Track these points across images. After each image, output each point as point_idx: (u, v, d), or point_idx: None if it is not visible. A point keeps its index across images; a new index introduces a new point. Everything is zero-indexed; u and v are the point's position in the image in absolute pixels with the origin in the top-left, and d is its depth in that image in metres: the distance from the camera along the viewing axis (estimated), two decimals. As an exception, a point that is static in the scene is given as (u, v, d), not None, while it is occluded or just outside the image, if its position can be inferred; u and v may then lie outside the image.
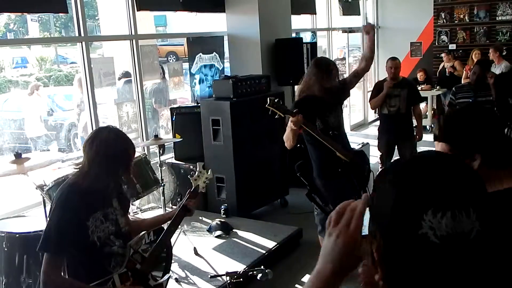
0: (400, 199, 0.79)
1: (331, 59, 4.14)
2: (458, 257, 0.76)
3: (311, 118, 3.66)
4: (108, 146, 2.31)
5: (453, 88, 5.45)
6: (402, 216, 0.78)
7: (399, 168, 0.86)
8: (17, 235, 3.25)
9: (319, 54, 8.13)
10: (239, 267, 3.88)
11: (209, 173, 2.69)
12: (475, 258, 0.76)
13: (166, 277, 2.71)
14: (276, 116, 3.54)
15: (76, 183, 2.35)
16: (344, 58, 10.62)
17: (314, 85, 3.73)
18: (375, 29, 10.81)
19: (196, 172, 2.65)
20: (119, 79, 5.91)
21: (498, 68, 7.72)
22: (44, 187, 3.39)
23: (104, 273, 2.38)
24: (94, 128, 4.89)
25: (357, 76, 4.10)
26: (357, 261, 0.89)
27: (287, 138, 3.68)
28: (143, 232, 2.56)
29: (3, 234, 3.20)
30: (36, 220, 3.51)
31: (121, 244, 2.45)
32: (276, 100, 3.56)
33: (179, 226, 2.70)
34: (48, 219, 2.36)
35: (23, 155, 3.35)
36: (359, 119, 10.59)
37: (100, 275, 2.35)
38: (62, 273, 2.33)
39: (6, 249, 3.19)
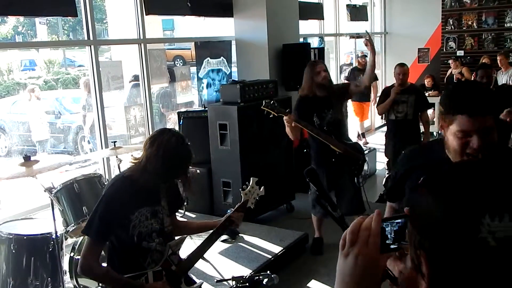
0: (454, 205, 0.78)
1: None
2: None
3: (309, 114, 4.24)
4: (167, 149, 2.35)
5: None
6: (458, 222, 0.77)
7: (441, 177, 0.84)
8: (24, 237, 3.27)
9: (327, 60, 8.14)
10: (245, 271, 3.88)
11: (261, 190, 2.70)
12: None
13: (199, 282, 2.72)
14: (271, 116, 4.09)
15: (129, 177, 2.42)
16: (351, 64, 10.61)
17: (307, 82, 4.34)
18: (384, 35, 10.82)
19: (248, 187, 2.66)
20: (130, 82, 5.93)
21: (505, 75, 7.69)
22: (52, 189, 3.40)
23: (138, 267, 2.42)
24: (101, 131, 4.91)
25: (358, 86, 4.57)
26: (378, 279, 0.89)
27: (288, 133, 4.27)
28: (184, 235, 2.60)
29: (11, 236, 3.22)
30: (44, 223, 3.53)
31: (161, 242, 2.49)
32: (271, 102, 4.12)
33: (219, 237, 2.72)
34: (96, 204, 2.43)
35: (32, 158, 3.37)
36: (366, 125, 10.56)
37: (133, 269, 2.40)
38: (99, 260, 2.40)
39: (13, 251, 3.20)
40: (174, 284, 2.47)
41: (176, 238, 2.58)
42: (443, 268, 0.79)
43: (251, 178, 2.70)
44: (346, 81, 8.75)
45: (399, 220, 0.89)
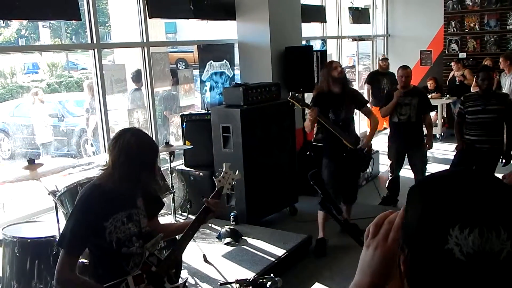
0: (427, 212, 0.77)
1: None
2: (484, 277, 0.72)
3: (325, 110, 4.51)
4: (130, 149, 2.32)
5: (462, 98, 5.43)
6: (428, 230, 0.75)
7: (428, 181, 0.83)
8: (28, 241, 3.28)
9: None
10: (249, 274, 3.88)
11: (236, 174, 2.62)
12: (503, 280, 0.72)
13: (182, 280, 2.70)
14: (295, 107, 4.59)
15: (98, 184, 2.38)
16: (353, 66, 10.63)
17: (324, 77, 4.61)
18: (386, 37, 10.83)
19: (222, 173, 2.58)
20: (131, 77, 5.92)
21: (508, 77, 7.67)
22: (57, 192, 3.41)
23: (122, 273, 2.39)
24: (104, 134, 4.93)
25: (366, 114, 5.02)
26: (394, 273, 0.88)
27: (307, 126, 4.60)
28: (160, 235, 2.55)
29: (15, 239, 3.23)
30: (48, 226, 3.54)
31: (141, 245, 2.46)
32: (296, 94, 4.59)
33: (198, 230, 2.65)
34: (68, 216, 2.41)
35: (36, 161, 3.38)
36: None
37: (118, 275, 2.37)
38: (76, 272, 2.34)
39: (18, 254, 3.21)
40: (157, 285, 2.44)
41: (153, 239, 2.52)
42: (417, 276, 0.79)
43: (224, 163, 2.62)
44: (368, 84, 8.70)
45: None
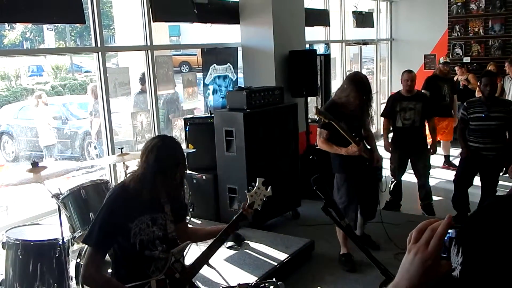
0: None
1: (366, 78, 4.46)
2: None
3: (338, 120, 4.10)
4: (152, 154, 2.41)
5: (465, 103, 5.41)
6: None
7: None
8: (31, 243, 3.28)
9: (332, 66, 8.14)
10: (251, 279, 3.88)
11: (268, 191, 2.64)
12: None
13: None
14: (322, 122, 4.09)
15: (127, 186, 2.46)
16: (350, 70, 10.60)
17: (347, 98, 4.13)
18: (390, 41, 10.81)
19: (254, 188, 2.61)
20: (139, 79, 5.95)
21: (512, 82, 7.65)
22: (60, 195, 3.42)
23: (142, 276, 2.43)
24: (108, 137, 4.93)
25: (367, 129, 4.59)
26: (432, 280, 0.89)
27: (327, 149, 4.27)
28: (187, 242, 2.59)
29: (18, 242, 3.24)
30: (51, 228, 3.54)
31: (165, 250, 2.49)
32: (320, 108, 4.22)
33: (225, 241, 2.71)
34: (96, 214, 2.49)
35: (40, 164, 3.38)
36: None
37: (139, 278, 2.41)
38: (101, 269, 2.43)
39: (20, 256, 3.22)
40: None
41: (180, 245, 2.55)
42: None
43: (258, 179, 2.65)
44: (424, 91, 7.36)
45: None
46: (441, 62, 8.15)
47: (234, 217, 2.56)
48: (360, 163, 4.20)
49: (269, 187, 2.65)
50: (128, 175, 2.63)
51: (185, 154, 2.62)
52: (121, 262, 2.47)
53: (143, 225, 2.42)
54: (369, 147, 4.44)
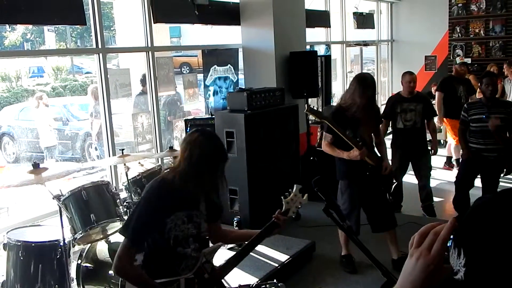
0: None
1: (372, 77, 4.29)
2: None
3: (343, 125, 4.03)
4: (195, 150, 2.36)
5: (465, 105, 5.41)
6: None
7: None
8: (33, 244, 3.29)
9: (333, 67, 8.15)
10: (252, 280, 3.87)
11: (304, 198, 2.56)
12: None
13: None
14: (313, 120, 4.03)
15: (166, 179, 2.42)
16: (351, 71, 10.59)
17: (351, 97, 4.04)
18: (390, 42, 10.81)
19: (291, 195, 2.53)
20: (141, 81, 5.96)
21: (512, 84, 7.65)
22: (61, 197, 3.42)
23: (172, 273, 2.41)
24: (108, 138, 4.93)
25: (378, 136, 4.42)
26: (434, 285, 0.88)
27: (330, 152, 4.17)
28: (219, 244, 2.59)
29: (19, 243, 3.24)
30: (52, 230, 3.54)
31: (197, 248, 2.47)
32: (312, 106, 4.21)
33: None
34: (134, 206, 2.48)
35: (41, 165, 3.38)
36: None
37: (167, 274, 2.39)
38: (134, 263, 2.39)
39: (21, 257, 3.22)
40: None
41: (212, 246, 2.55)
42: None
43: (295, 185, 2.57)
44: (439, 92, 7.40)
45: None
46: (457, 62, 7.96)
47: (267, 225, 2.50)
48: (365, 170, 4.07)
49: (306, 195, 2.56)
50: (166, 170, 2.55)
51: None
52: (151, 256, 2.45)
53: (179, 221, 2.40)
54: (379, 154, 4.32)
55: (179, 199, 2.40)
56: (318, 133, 6.95)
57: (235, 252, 2.56)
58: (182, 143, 2.45)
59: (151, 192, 2.41)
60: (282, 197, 2.56)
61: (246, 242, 2.54)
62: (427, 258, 0.87)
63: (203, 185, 2.41)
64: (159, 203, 2.35)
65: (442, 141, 9.23)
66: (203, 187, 2.43)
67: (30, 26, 14.56)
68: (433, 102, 7.43)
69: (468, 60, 9.78)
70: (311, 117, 6.84)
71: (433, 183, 6.04)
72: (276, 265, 4.29)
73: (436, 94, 7.56)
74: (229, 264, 2.51)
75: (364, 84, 4.00)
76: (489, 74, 5.45)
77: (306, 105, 4.26)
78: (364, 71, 10.54)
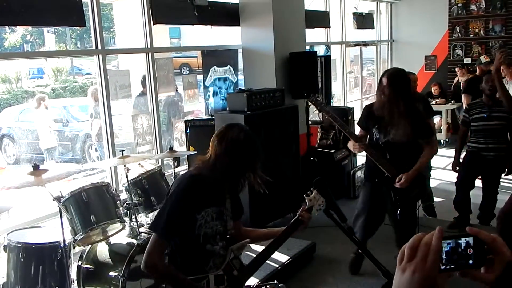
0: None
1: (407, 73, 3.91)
2: None
3: (370, 124, 3.84)
4: (236, 146, 2.33)
5: (466, 106, 5.43)
6: None
7: None
8: (33, 246, 3.28)
9: (333, 68, 8.14)
10: (252, 281, 3.86)
11: (323, 200, 2.51)
12: None
13: None
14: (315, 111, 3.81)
15: (197, 175, 2.37)
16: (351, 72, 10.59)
17: (379, 91, 3.77)
18: (390, 43, 10.81)
19: (313, 194, 2.50)
20: (141, 82, 5.97)
21: (511, 84, 7.64)
22: (61, 198, 3.42)
23: (199, 270, 2.38)
24: (108, 139, 4.93)
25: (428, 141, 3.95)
26: None
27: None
28: (247, 240, 2.55)
29: (19, 245, 3.24)
30: (52, 231, 3.54)
31: (224, 246, 2.44)
32: (318, 97, 3.92)
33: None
34: (165, 201, 2.42)
35: (41, 167, 3.38)
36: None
37: (194, 272, 2.36)
38: (164, 259, 2.35)
39: (22, 259, 3.22)
40: None
41: (239, 242, 2.51)
42: None
43: (315, 188, 2.54)
44: (466, 94, 7.13)
45: (465, 239, 0.86)
46: (482, 62, 7.84)
47: (292, 222, 2.50)
48: (377, 173, 3.78)
49: (323, 199, 2.51)
50: (196, 164, 2.47)
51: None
52: (179, 253, 2.40)
53: (209, 217, 2.36)
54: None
55: (208, 194, 2.36)
56: (318, 134, 6.96)
57: (261, 250, 2.53)
58: (219, 138, 2.37)
59: (182, 187, 2.35)
60: (304, 195, 2.54)
61: (271, 240, 2.52)
62: (425, 270, 0.85)
63: (234, 181, 2.40)
64: (190, 199, 2.31)
65: (442, 141, 9.24)
66: (233, 184, 2.42)
67: (30, 28, 14.56)
68: (432, 102, 7.44)
69: (468, 60, 9.79)
70: (311, 118, 6.86)
71: (433, 183, 6.04)
72: (277, 265, 4.29)
73: (463, 97, 7.43)
74: (257, 262, 2.50)
75: (389, 78, 3.65)
76: (489, 72, 5.47)
77: (311, 94, 4.05)
78: (364, 71, 10.55)
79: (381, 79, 3.77)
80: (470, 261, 0.85)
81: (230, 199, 2.51)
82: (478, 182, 5.42)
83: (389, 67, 10.74)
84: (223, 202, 2.46)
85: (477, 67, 8.31)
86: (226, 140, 2.34)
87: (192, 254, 2.39)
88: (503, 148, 5.10)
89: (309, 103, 3.93)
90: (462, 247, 0.86)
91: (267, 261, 4.32)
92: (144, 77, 5.70)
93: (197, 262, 2.39)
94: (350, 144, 3.87)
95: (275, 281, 2.82)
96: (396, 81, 3.63)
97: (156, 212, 4.95)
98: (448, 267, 0.86)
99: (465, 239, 0.86)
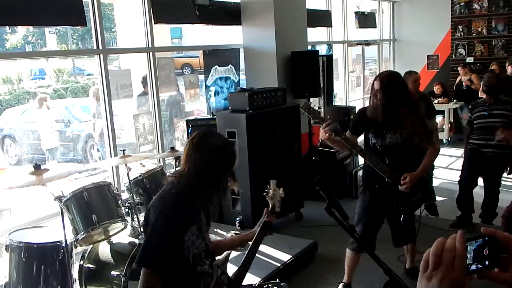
0: None
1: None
2: None
3: (364, 129, 3.65)
4: (221, 153, 2.21)
5: (470, 106, 5.48)
6: None
7: None
8: (35, 246, 3.28)
9: (335, 67, 8.13)
10: (254, 280, 3.86)
11: (281, 192, 2.55)
12: None
13: None
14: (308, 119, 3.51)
15: (178, 193, 2.19)
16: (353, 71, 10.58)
17: (374, 100, 3.53)
18: (392, 42, 10.79)
19: (271, 191, 2.51)
20: (142, 82, 5.97)
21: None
22: (62, 198, 3.41)
23: None
24: (110, 139, 4.92)
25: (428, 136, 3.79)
26: None
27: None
28: (227, 252, 2.46)
29: (21, 245, 3.23)
30: (53, 231, 3.53)
31: (210, 263, 2.33)
32: (310, 104, 3.59)
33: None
34: (150, 231, 2.20)
35: (42, 167, 3.38)
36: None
37: None
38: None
39: (24, 259, 3.21)
40: None
41: (220, 256, 2.44)
42: None
43: (271, 181, 2.55)
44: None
45: (480, 240, 0.86)
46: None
47: (260, 226, 2.45)
48: (377, 179, 3.58)
49: (281, 189, 2.55)
50: (170, 178, 2.29)
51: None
52: (172, 280, 2.20)
53: (194, 236, 2.19)
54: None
55: (190, 211, 2.22)
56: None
57: (242, 261, 2.47)
58: (195, 149, 2.20)
59: (167, 213, 2.16)
60: (264, 194, 2.52)
61: (249, 247, 2.45)
62: (454, 276, 0.83)
63: (212, 191, 2.26)
64: (176, 221, 2.15)
65: (444, 140, 9.21)
66: (209, 194, 2.27)
67: (31, 29, 14.58)
68: (435, 101, 7.42)
69: (471, 59, 9.76)
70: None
71: (435, 183, 6.02)
72: (279, 264, 4.28)
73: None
74: (242, 272, 2.44)
75: (381, 79, 3.52)
76: (491, 71, 5.49)
77: (305, 102, 3.83)
78: (366, 71, 10.53)
79: (373, 82, 3.62)
80: (486, 262, 0.84)
81: (203, 211, 2.35)
82: (480, 181, 5.41)
83: (391, 67, 10.74)
84: (200, 216, 2.30)
85: (508, 67, 8.00)
86: (209, 148, 2.19)
87: (183, 279, 2.25)
88: (502, 146, 5.09)
89: (303, 112, 3.63)
90: (479, 249, 0.85)
91: (269, 260, 4.35)
92: (144, 77, 5.70)
93: (189, 286, 2.27)
94: (321, 132, 3.49)
95: (277, 280, 2.81)
96: (388, 85, 3.47)
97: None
98: (470, 269, 0.85)
99: (480, 240, 0.86)
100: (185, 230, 2.17)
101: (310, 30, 6.98)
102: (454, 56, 9.98)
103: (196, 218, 2.26)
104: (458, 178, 5.52)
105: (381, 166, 3.54)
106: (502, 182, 5.40)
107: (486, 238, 0.85)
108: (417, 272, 0.90)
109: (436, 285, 0.84)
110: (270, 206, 2.49)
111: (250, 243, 2.45)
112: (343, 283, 3.97)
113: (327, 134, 3.38)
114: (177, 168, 2.35)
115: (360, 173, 6.56)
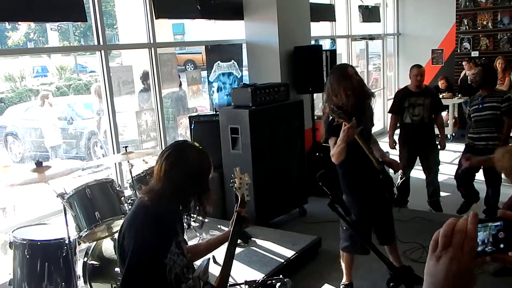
0: None
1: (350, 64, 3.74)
2: None
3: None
4: (198, 167, 2.13)
5: (468, 100, 5.49)
6: None
7: None
8: (38, 243, 3.27)
9: (338, 62, 8.09)
10: (258, 276, 3.85)
11: (247, 179, 2.52)
12: None
13: None
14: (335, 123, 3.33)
15: (155, 215, 2.07)
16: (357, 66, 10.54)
17: (334, 92, 3.46)
18: (397, 36, 10.73)
19: (237, 180, 2.47)
20: (140, 77, 5.95)
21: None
22: (65, 195, 3.40)
23: None
24: (112, 136, 4.90)
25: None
26: (471, 286, 0.83)
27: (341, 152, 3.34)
28: (207, 257, 2.40)
29: (25, 242, 3.23)
30: (57, 228, 3.53)
31: (192, 276, 2.26)
32: (335, 109, 3.35)
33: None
34: (129, 259, 2.07)
35: (44, 164, 3.37)
36: (378, 128, 10.49)
37: None
38: None
39: (28, 256, 3.21)
40: None
41: (199, 262, 2.39)
42: None
43: (234, 169, 2.51)
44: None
45: (497, 223, 0.84)
46: None
47: (234, 222, 2.39)
48: (371, 179, 3.51)
49: (246, 173, 2.51)
50: (142, 197, 2.16)
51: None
52: None
53: (174, 256, 2.10)
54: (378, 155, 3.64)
55: (167, 230, 2.11)
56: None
57: (222, 264, 2.43)
58: (171, 162, 2.09)
59: (142, 239, 2.04)
60: (230, 185, 2.49)
61: (226, 247, 2.40)
62: (463, 258, 0.82)
63: (187, 206, 2.16)
64: (155, 246, 2.04)
65: (449, 136, 9.16)
66: (187, 209, 2.16)
67: (33, 26, 14.59)
68: (441, 96, 7.37)
69: (476, 53, 9.68)
70: (316, 112, 6.81)
71: (440, 178, 5.99)
72: (282, 260, 4.27)
73: None
74: (224, 276, 2.39)
75: (343, 72, 3.51)
76: (483, 65, 5.54)
77: (329, 106, 3.42)
78: (370, 65, 10.47)
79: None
80: (501, 245, 0.83)
81: (179, 222, 2.25)
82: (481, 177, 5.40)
83: (396, 61, 10.69)
84: (177, 230, 2.20)
85: None
86: (185, 163, 2.10)
87: None
88: (494, 138, 5.06)
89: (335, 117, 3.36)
90: (494, 231, 0.83)
91: (273, 256, 4.34)
92: (143, 73, 5.67)
93: None
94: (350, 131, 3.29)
95: (281, 276, 2.80)
96: (333, 74, 3.53)
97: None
98: (481, 251, 0.84)
99: (497, 223, 0.84)
100: (165, 254, 2.08)
101: (313, 25, 6.93)
102: (459, 50, 9.90)
103: (174, 234, 2.16)
104: (454, 173, 5.54)
105: (370, 150, 3.49)
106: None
107: (502, 222, 0.83)
108: (409, 270, 0.89)
109: (445, 266, 0.83)
110: (240, 197, 2.45)
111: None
112: (344, 285, 3.93)
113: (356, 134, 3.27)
114: (150, 184, 2.22)
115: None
